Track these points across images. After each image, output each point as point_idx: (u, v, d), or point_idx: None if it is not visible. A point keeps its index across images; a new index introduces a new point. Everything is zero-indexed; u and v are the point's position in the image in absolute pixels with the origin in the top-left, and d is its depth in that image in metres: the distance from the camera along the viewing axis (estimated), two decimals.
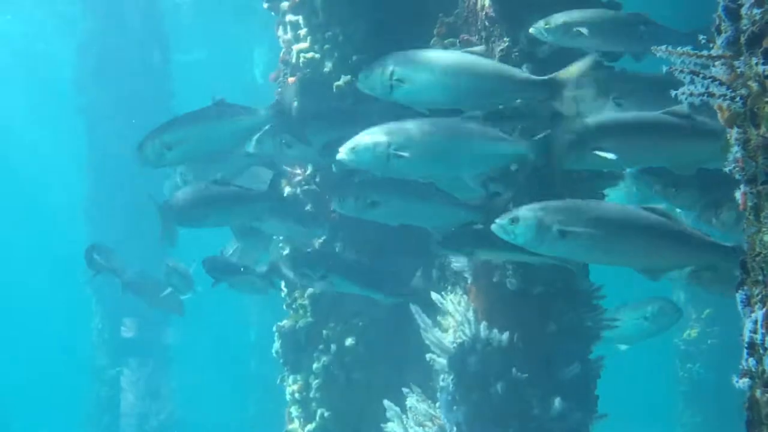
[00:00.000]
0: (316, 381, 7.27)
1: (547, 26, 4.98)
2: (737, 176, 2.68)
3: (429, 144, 5.05)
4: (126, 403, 16.03)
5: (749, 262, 2.64)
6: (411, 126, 5.08)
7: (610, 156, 4.71)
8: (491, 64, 5.10)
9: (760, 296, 2.59)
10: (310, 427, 7.32)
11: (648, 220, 4.68)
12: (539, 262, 5.42)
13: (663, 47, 2.73)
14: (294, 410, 7.49)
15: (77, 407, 17.22)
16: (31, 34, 22.84)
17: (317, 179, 7.21)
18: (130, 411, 16.05)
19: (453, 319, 6.08)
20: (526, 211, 4.69)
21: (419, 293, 6.35)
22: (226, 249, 8.35)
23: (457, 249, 5.63)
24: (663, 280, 5.06)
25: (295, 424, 7.48)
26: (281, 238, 7.57)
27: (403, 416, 6.33)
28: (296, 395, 7.40)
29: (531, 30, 5.03)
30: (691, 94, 2.66)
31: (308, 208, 7.18)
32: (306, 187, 7.22)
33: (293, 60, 7.04)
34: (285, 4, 7.16)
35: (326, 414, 7.23)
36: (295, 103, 6.91)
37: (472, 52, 5.15)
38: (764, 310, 2.54)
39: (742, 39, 2.60)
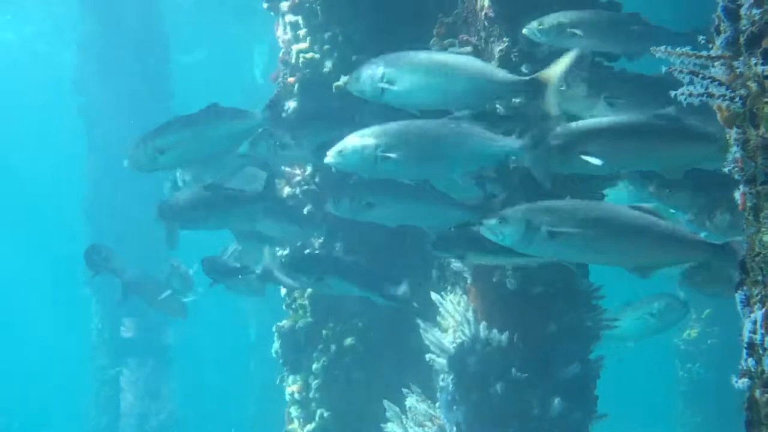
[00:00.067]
0: (316, 381, 7.27)
1: (540, 27, 4.98)
2: (736, 176, 2.68)
3: (416, 145, 5.08)
4: (126, 403, 16.03)
5: (748, 263, 2.64)
6: (398, 127, 5.12)
7: (596, 161, 4.71)
8: (478, 65, 5.12)
9: (759, 296, 2.59)
10: (309, 427, 7.32)
11: (636, 218, 4.70)
12: (526, 263, 5.45)
13: (662, 48, 2.73)
14: (294, 410, 7.49)
15: (77, 407, 17.23)
16: (31, 35, 22.84)
17: (317, 179, 7.21)
18: (130, 411, 16.04)
19: (453, 320, 6.08)
20: (514, 212, 4.70)
21: (415, 296, 6.33)
22: (227, 250, 8.36)
23: (448, 251, 5.64)
24: (668, 278, 5.08)
25: (295, 425, 7.48)
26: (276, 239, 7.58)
27: (403, 416, 6.33)
28: (296, 395, 7.40)
29: (524, 31, 5.04)
30: (690, 95, 2.66)
31: (308, 208, 7.18)
32: (305, 187, 7.22)
33: (293, 60, 7.04)
34: (284, 5, 7.16)
35: (326, 414, 7.23)
36: (293, 104, 6.94)
37: (459, 53, 5.18)
38: (763, 310, 2.54)
39: (742, 39, 2.60)
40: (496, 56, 5.46)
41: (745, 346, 2.59)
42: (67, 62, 16.72)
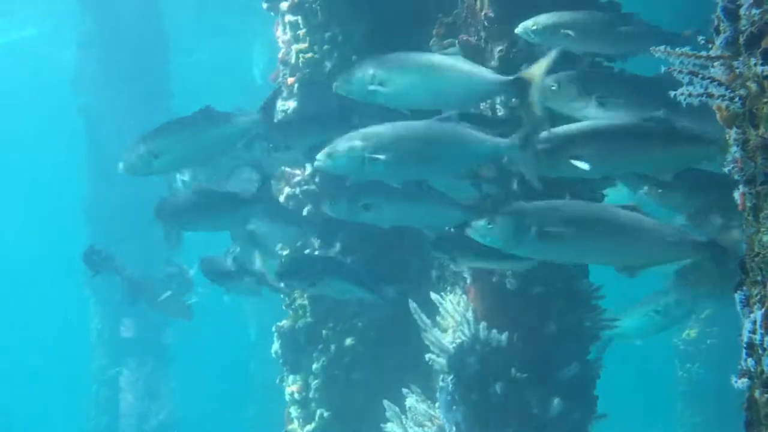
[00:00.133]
0: (316, 381, 7.27)
1: (534, 27, 4.98)
2: (736, 177, 2.68)
3: (404, 146, 5.10)
4: (125, 403, 16.02)
5: (748, 263, 2.64)
6: (385, 129, 5.13)
7: (584, 166, 4.72)
8: (464, 65, 5.15)
9: (758, 296, 2.59)
10: (309, 427, 7.32)
11: (625, 218, 4.72)
12: (514, 267, 5.47)
13: (662, 48, 2.73)
14: (293, 410, 7.48)
15: (77, 407, 17.22)
16: (31, 35, 22.84)
17: (316, 180, 7.21)
18: (130, 411, 16.03)
19: (452, 320, 6.08)
20: (503, 213, 4.70)
21: (411, 295, 6.34)
22: (229, 250, 8.35)
23: (444, 252, 5.65)
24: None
25: (295, 425, 7.48)
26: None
27: (403, 416, 6.33)
28: (296, 395, 7.40)
29: (518, 30, 5.04)
30: (690, 95, 2.66)
31: (308, 208, 7.18)
32: (305, 187, 7.22)
33: (293, 60, 7.04)
34: (284, 5, 7.15)
35: (326, 414, 7.23)
36: (293, 104, 6.95)
37: (447, 54, 5.22)
38: (763, 310, 2.54)
39: (741, 39, 2.60)
40: (496, 56, 5.46)
41: (745, 346, 2.59)
42: (67, 62, 16.70)
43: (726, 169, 2.73)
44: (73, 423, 17.64)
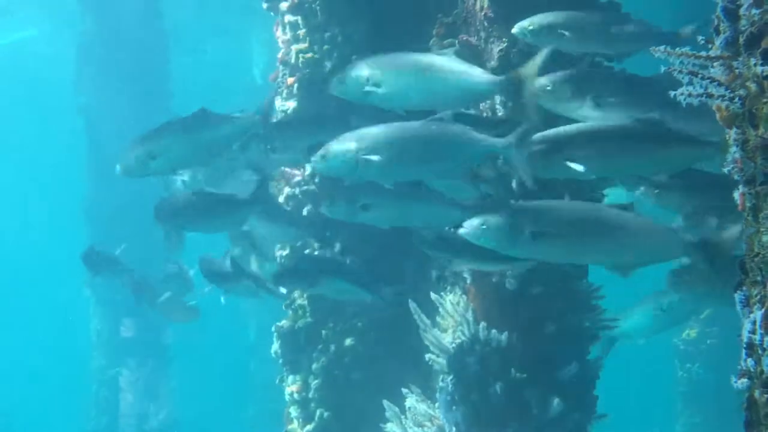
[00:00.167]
0: (316, 381, 7.27)
1: (530, 27, 4.98)
2: (736, 177, 2.68)
3: (397, 147, 5.13)
4: (125, 403, 16.02)
5: (748, 263, 2.64)
6: (379, 130, 5.16)
7: (579, 168, 4.72)
8: (458, 65, 5.19)
9: (758, 297, 2.59)
10: (309, 427, 7.32)
11: (617, 217, 4.73)
12: (507, 269, 5.49)
13: (662, 48, 2.73)
14: (293, 410, 7.48)
15: (77, 408, 17.22)
16: (31, 35, 22.84)
17: (316, 180, 7.21)
18: (129, 411, 16.03)
19: (452, 320, 6.08)
20: (496, 215, 4.70)
21: (409, 294, 6.34)
22: (229, 251, 8.34)
23: (438, 252, 5.65)
24: None
25: (295, 425, 7.48)
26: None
27: (402, 416, 6.33)
28: (295, 395, 7.40)
29: (514, 30, 5.05)
30: (689, 95, 2.66)
31: (308, 208, 7.18)
32: (305, 187, 7.22)
33: (292, 60, 7.04)
34: (284, 5, 7.15)
35: (325, 414, 7.23)
36: (293, 105, 6.95)
37: (441, 54, 5.24)
38: (763, 310, 2.54)
39: (741, 40, 2.60)
40: (496, 56, 5.46)
41: (745, 346, 2.59)
42: (67, 62, 16.69)
43: (725, 170, 2.73)
44: (73, 423, 17.64)
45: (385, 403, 6.42)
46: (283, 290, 7.01)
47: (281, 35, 7.27)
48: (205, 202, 6.66)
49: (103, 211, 15.46)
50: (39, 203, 34.28)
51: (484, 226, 4.69)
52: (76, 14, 16.64)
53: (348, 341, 7.16)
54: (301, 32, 6.99)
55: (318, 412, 7.26)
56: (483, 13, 5.55)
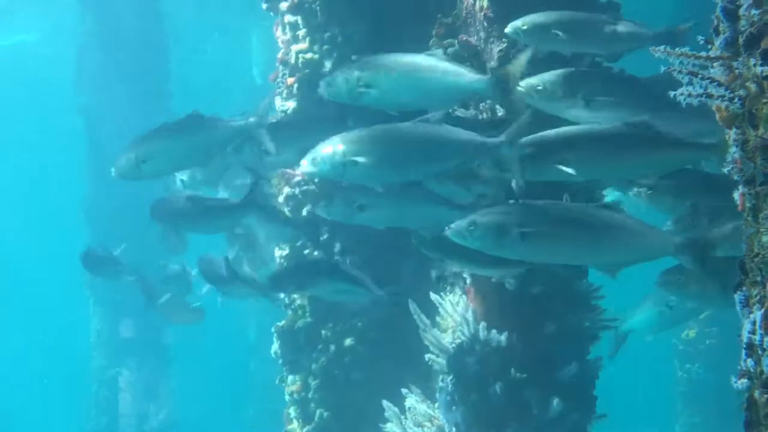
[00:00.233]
0: (315, 381, 7.27)
1: (524, 27, 4.99)
2: (735, 177, 2.68)
3: (384, 148, 5.18)
4: (125, 403, 16.02)
5: (747, 263, 2.64)
6: (366, 132, 5.22)
7: (570, 171, 4.73)
8: (446, 65, 5.24)
9: (758, 297, 2.59)
10: (309, 427, 7.32)
11: (605, 217, 4.74)
12: (497, 274, 5.51)
13: (661, 48, 2.73)
14: (293, 411, 7.48)
15: (77, 408, 17.22)
16: (31, 35, 22.84)
17: (316, 180, 7.21)
18: (129, 411, 16.03)
19: (452, 320, 6.08)
20: (484, 215, 4.71)
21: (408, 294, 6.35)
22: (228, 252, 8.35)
23: (436, 253, 5.67)
24: None
25: (294, 425, 7.47)
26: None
27: (402, 417, 6.33)
28: (295, 396, 7.40)
29: (507, 30, 5.06)
30: (689, 95, 2.66)
31: (308, 208, 7.18)
32: (305, 187, 7.22)
33: (292, 60, 7.04)
34: (284, 5, 7.15)
35: (325, 414, 7.23)
36: (292, 105, 6.95)
37: (430, 54, 5.28)
38: (762, 311, 2.54)
39: (741, 40, 2.60)
40: (496, 56, 5.47)
41: (744, 346, 2.59)
42: (68, 62, 16.70)
43: (725, 170, 2.73)
44: (73, 423, 17.64)
45: (385, 403, 6.42)
46: (278, 294, 7.03)
47: (281, 35, 7.27)
48: (198, 204, 6.70)
49: (103, 212, 15.46)
50: (39, 203, 34.27)
51: (472, 227, 4.70)
52: (76, 14, 16.64)
53: (348, 341, 7.16)
54: (301, 32, 6.99)
55: (318, 413, 7.26)
56: (483, 14, 5.55)
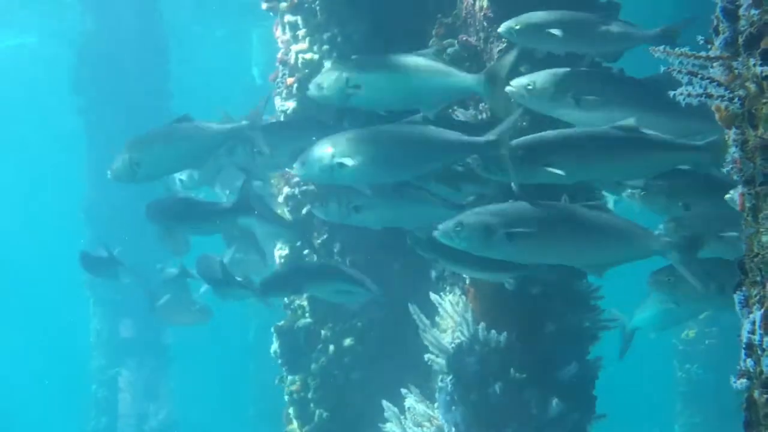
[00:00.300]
0: (315, 381, 7.27)
1: (517, 27, 4.99)
2: (735, 177, 2.68)
3: (371, 150, 5.23)
4: (124, 403, 16.02)
5: (747, 263, 2.64)
6: (353, 135, 5.29)
7: (559, 172, 4.74)
8: (436, 65, 5.29)
9: (758, 297, 2.59)
10: (308, 427, 7.32)
11: (591, 217, 4.75)
12: (489, 277, 5.52)
13: (661, 48, 2.73)
14: (292, 411, 7.48)
15: (76, 408, 17.21)
16: (32, 35, 22.84)
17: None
18: (129, 411, 16.03)
19: (451, 320, 6.08)
20: (471, 216, 4.72)
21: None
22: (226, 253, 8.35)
23: (426, 252, 5.68)
24: None
25: (294, 425, 7.47)
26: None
27: (402, 417, 6.33)
28: (295, 396, 7.39)
29: (500, 30, 5.07)
30: (689, 95, 2.66)
31: (307, 208, 7.18)
32: (304, 187, 7.22)
33: (292, 61, 7.04)
34: (284, 5, 7.15)
35: (325, 414, 7.22)
36: (292, 105, 6.96)
37: (420, 54, 5.31)
38: (762, 311, 2.54)
39: (740, 40, 2.60)
40: (495, 56, 5.47)
41: (744, 346, 2.59)
42: (67, 63, 16.70)
43: (725, 170, 2.73)
44: (72, 423, 17.63)
45: (384, 403, 6.42)
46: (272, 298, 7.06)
47: (281, 35, 7.27)
48: (191, 206, 6.74)
49: (103, 212, 15.45)
50: (39, 203, 34.27)
51: (458, 228, 4.71)
52: (76, 15, 16.64)
53: (347, 341, 7.16)
54: (301, 32, 6.99)
55: (317, 413, 7.26)
56: (482, 14, 5.55)
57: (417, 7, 6.43)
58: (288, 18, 7.12)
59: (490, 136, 4.92)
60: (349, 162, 5.19)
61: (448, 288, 6.38)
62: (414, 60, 5.32)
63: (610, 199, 5.87)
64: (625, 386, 20.44)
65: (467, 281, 6.08)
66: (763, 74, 2.51)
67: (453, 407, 5.80)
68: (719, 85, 2.62)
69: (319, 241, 7.21)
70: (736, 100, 2.60)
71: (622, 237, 4.79)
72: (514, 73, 5.17)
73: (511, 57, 5.03)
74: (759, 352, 2.53)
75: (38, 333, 32.29)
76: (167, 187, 7.94)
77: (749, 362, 2.56)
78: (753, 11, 2.54)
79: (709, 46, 2.69)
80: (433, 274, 6.65)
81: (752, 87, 2.57)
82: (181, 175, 7.85)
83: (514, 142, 4.87)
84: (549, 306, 5.79)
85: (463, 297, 6.10)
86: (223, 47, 22.30)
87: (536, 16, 4.99)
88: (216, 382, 23.27)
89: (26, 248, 34.49)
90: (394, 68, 5.31)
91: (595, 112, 4.94)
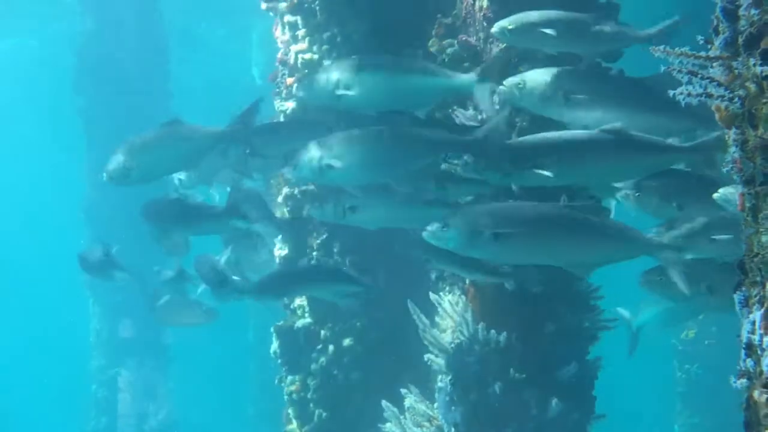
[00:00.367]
0: (314, 381, 7.27)
1: (510, 27, 4.99)
2: (735, 177, 2.68)
3: (358, 152, 5.32)
4: (124, 403, 16.02)
5: (747, 263, 2.64)
6: (341, 137, 5.38)
7: (548, 174, 4.75)
8: (425, 66, 5.36)
9: (758, 297, 2.59)
10: (308, 427, 7.32)
11: (577, 217, 4.76)
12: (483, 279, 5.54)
13: (661, 47, 2.73)
14: (292, 411, 7.48)
15: (76, 408, 17.21)
16: (32, 35, 22.85)
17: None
18: (129, 411, 16.03)
19: (451, 320, 6.08)
20: (457, 216, 4.74)
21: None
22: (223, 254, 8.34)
23: (419, 252, 5.69)
24: None
25: (294, 425, 7.47)
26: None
27: (401, 417, 6.33)
28: (294, 396, 7.39)
29: (493, 30, 5.07)
30: (689, 95, 2.66)
31: (307, 208, 7.18)
32: (304, 187, 7.22)
33: (291, 61, 7.04)
34: (283, 5, 7.15)
35: (324, 414, 7.23)
36: (292, 105, 6.96)
37: (409, 55, 5.33)
38: (762, 311, 2.54)
39: (740, 40, 2.60)
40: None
41: (744, 346, 2.59)
42: (67, 63, 16.70)
43: (725, 169, 2.73)
44: (72, 423, 17.63)
45: (384, 403, 6.42)
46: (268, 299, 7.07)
47: (280, 35, 7.27)
48: (184, 208, 6.76)
49: (103, 212, 15.45)
50: (39, 203, 34.26)
51: (445, 228, 4.73)
52: (76, 15, 16.64)
53: (347, 341, 7.16)
54: (301, 32, 6.99)
55: (317, 413, 7.26)
56: (482, 14, 5.55)
57: (417, 7, 6.43)
58: (288, 18, 7.12)
59: (478, 134, 4.95)
60: (336, 163, 5.27)
61: (447, 288, 6.39)
62: (404, 61, 5.41)
63: (611, 202, 5.85)
64: (625, 386, 20.43)
65: (467, 281, 6.08)
66: (763, 74, 2.51)
67: (452, 407, 5.80)
68: (719, 84, 2.62)
69: (318, 241, 7.21)
70: (736, 100, 2.60)
71: (610, 237, 4.81)
72: (513, 72, 5.17)
73: (501, 57, 5.06)
74: (759, 352, 2.53)
75: (38, 333, 32.29)
76: (175, 187, 7.97)
77: (749, 362, 2.56)
78: (753, 11, 2.54)
79: (709, 46, 2.69)
80: (433, 274, 6.65)
81: (752, 87, 2.57)
82: (180, 175, 7.86)
83: (503, 143, 4.89)
84: (549, 306, 5.79)
85: (463, 297, 6.10)
86: (223, 47, 22.28)
87: (530, 16, 4.99)
88: (216, 382, 23.26)
89: (26, 248, 34.48)
90: (384, 69, 5.37)
91: (585, 111, 4.95)
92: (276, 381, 7.65)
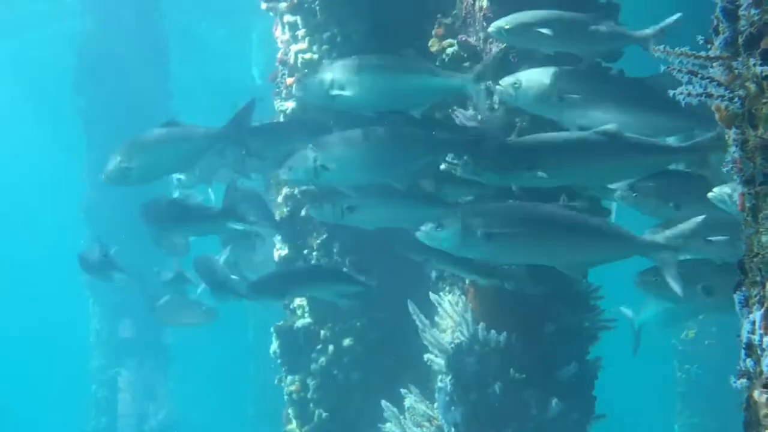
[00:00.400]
0: (314, 381, 7.26)
1: (507, 27, 4.99)
2: (735, 177, 2.68)
3: (350, 153, 5.38)
4: (124, 403, 16.01)
5: (747, 263, 2.64)
6: (335, 139, 5.46)
7: (542, 174, 4.76)
8: (420, 66, 5.36)
9: (758, 297, 2.59)
10: (307, 427, 7.32)
11: (570, 217, 4.76)
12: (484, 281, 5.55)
13: (661, 47, 2.73)
14: (292, 411, 7.48)
15: (76, 408, 17.21)
16: (32, 35, 22.84)
17: None
18: (129, 411, 16.03)
19: (451, 320, 6.08)
20: (450, 216, 4.75)
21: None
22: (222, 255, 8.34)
23: (414, 252, 5.69)
24: None
25: (293, 425, 7.47)
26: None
27: (401, 417, 6.33)
28: (294, 396, 7.39)
29: (490, 30, 5.07)
30: (689, 94, 2.66)
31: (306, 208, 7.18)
32: (303, 187, 7.21)
33: (291, 61, 7.04)
34: (283, 5, 7.15)
35: (324, 414, 7.22)
36: (291, 105, 6.96)
37: (403, 55, 5.40)
38: (762, 311, 2.54)
39: (740, 40, 2.60)
40: (495, 57, 5.46)
41: (744, 346, 2.59)
42: (67, 63, 16.69)
43: (725, 170, 2.73)
44: (72, 423, 17.63)
45: (384, 403, 6.42)
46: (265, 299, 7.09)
47: (280, 35, 7.26)
48: (180, 209, 6.77)
49: (103, 212, 15.44)
50: (39, 203, 34.27)
51: (438, 228, 4.74)
52: (76, 14, 16.64)
53: (347, 341, 7.16)
54: (301, 32, 6.99)
55: (317, 413, 7.26)
56: (482, 14, 5.55)
57: (417, 7, 6.43)
58: (287, 18, 7.12)
59: (474, 134, 4.96)
60: (331, 165, 5.32)
61: (447, 288, 6.39)
62: (398, 61, 5.38)
63: (612, 204, 5.86)
64: (625, 386, 20.43)
65: (467, 281, 6.07)
66: (763, 74, 2.51)
67: (452, 407, 5.80)
68: (719, 84, 2.62)
69: (318, 241, 7.21)
70: (736, 100, 2.60)
71: (604, 237, 4.81)
72: (511, 72, 5.17)
73: (497, 57, 5.07)
74: (759, 352, 2.53)
75: (38, 333, 32.29)
76: (179, 186, 7.99)
77: (749, 362, 2.56)
78: (753, 11, 2.54)
79: (709, 46, 2.69)
80: (433, 274, 6.65)
81: (752, 87, 2.57)
82: (180, 174, 7.87)
83: (498, 144, 4.90)
84: (549, 306, 5.79)
85: (463, 297, 6.10)
86: (223, 47, 22.29)
87: (526, 16, 4.99)
88: (216, 382, 23.26)
89: (26, 248, 34.49)
90: (379, 69, 5.39)
91: (581, 111, 4.95)
92: (276, 381, 7.65)
